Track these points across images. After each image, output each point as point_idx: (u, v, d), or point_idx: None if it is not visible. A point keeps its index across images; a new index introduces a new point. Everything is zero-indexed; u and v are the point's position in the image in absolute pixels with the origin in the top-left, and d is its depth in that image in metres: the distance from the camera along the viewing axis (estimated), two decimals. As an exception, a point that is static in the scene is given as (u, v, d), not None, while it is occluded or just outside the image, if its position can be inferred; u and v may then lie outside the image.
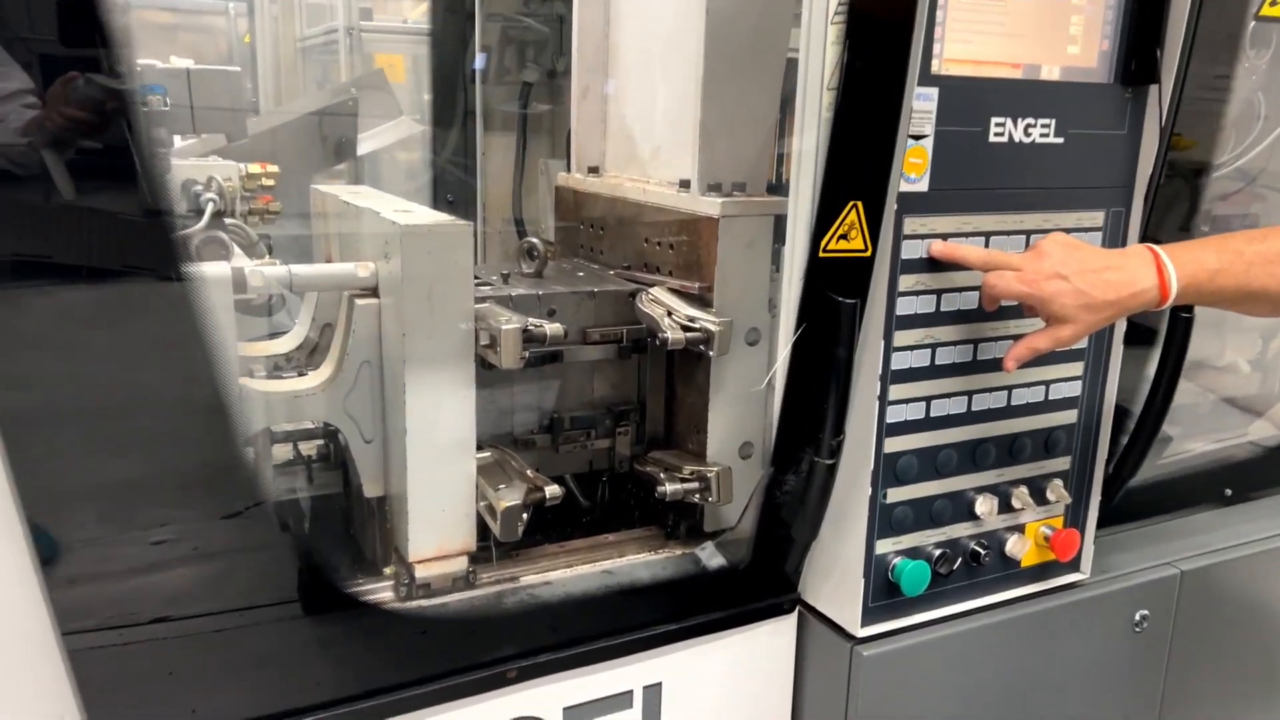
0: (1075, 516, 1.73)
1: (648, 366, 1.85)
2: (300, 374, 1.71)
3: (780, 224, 1.68)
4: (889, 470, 1.50)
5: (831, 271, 1.36)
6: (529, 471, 1.62)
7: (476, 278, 1.82)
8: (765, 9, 1.66)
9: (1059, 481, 1.68)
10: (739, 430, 1.76)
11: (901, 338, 1.46)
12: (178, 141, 2.34)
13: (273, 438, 1.77)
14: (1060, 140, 1.52)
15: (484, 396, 1.71)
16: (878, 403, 1.46)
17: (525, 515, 1.54)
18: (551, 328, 1.53)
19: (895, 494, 1.52)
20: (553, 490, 1.57)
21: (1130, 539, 1.94)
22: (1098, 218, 1.60)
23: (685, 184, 1.75)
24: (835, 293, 1.36)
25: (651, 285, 1.78)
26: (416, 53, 3.47)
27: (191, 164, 1.90)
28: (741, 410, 1.75)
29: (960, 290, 1.50)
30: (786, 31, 1.68)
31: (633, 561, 1.73)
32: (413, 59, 3.60)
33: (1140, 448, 1.75)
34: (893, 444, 1.50)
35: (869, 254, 1.37)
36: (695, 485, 1.70)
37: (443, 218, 1.56)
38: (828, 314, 1.36)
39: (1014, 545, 1.65)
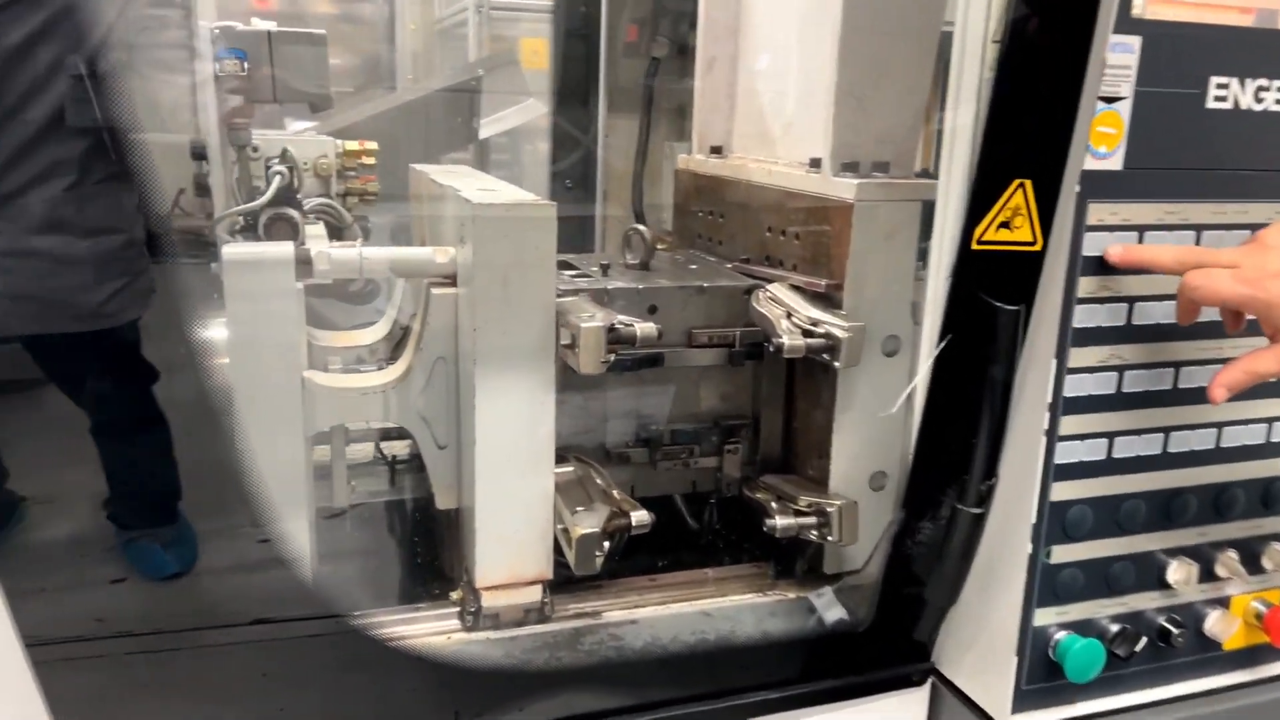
0: (1302, 592, 1.36)
1: (764, 376, 1.59)
2: (380, 369, 1.56)
3: (930, 214, 1.41)
4: (1055, 523, 1.20)
5: (987, 268, 1.07)
6: (615, 493, 1.40)
7: (572, 267, 1.62)
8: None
9: (1279, 546, 1.32)
10: (870, 457, 1.50)
11: (1079, 356, 1.15)
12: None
13: (351, 436, 1.62)
14: (1305, 108, 1.18)
15: (571, 401, 1.50)
16: (1044, 438, 1.16)
17: (606, 544, 1.32)
18: (643, 327, 1.30)
19: (1062, 553, 1.22)
20: (640, 517, 1.34)
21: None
22: (1350, 211, 1.24)
23: (816, 163, 1.50)
24: (991, 296, 1.06)
25: (771, 281, 1.53)
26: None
27: (283, 136, 1.78)
28: (874, 433, 1.48)
29: (1160, 299, 1.18)
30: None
31: (736, 603, 1.50)
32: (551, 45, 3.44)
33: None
34: (1062, 490, 1.19)
35: (1038, 248, 1.07)
36: (812, 520, 1.44)
37: (524, 197, 1.35)
38: (980, 322, 1.07)
39: (1215, 623, 1.31)
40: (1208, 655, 1.34)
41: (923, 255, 1.46)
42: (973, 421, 1.09)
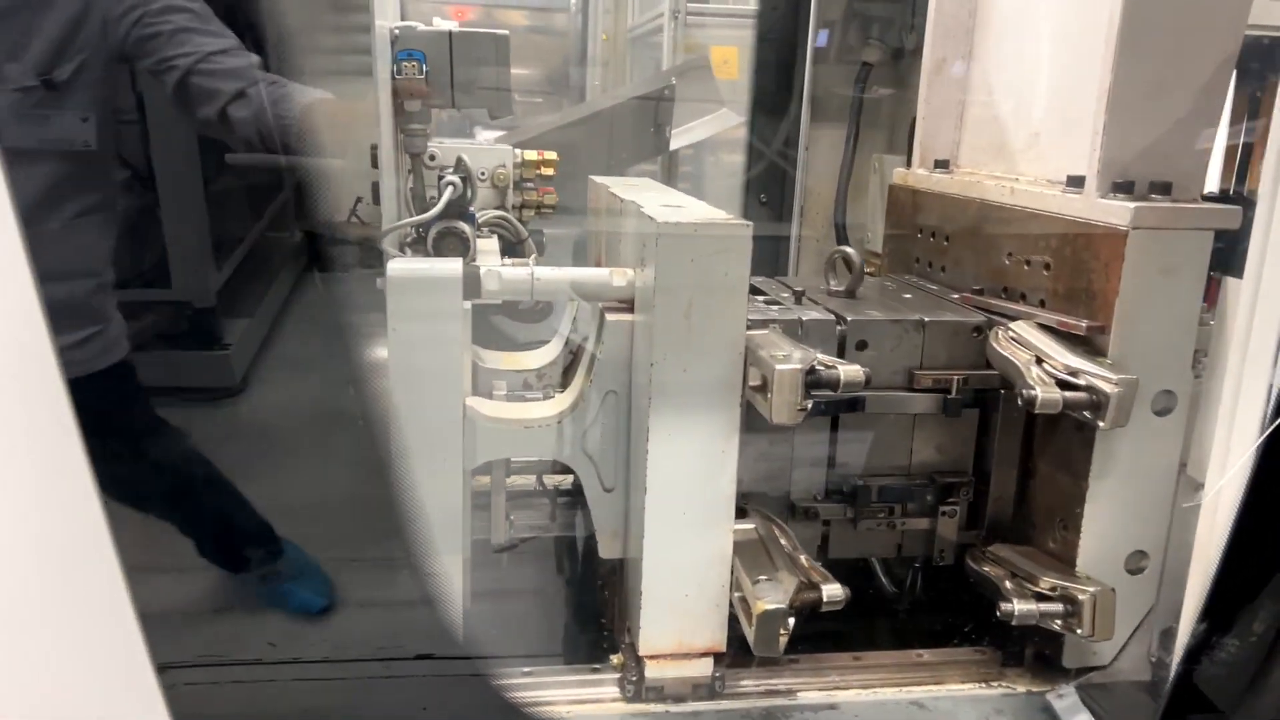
0: None
1: (995, 428, 1.34)
2: (546, 396, 1.41)
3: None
4: None
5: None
6: (803, 558, 1.19)
7: (760, 293, 1.42)
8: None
9: None
10: (1128, 534, 1.25)
11: None
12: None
13: (513, 466, 1.48)
14: None
15: (754, 445, 1.30)
16: None
17: (790, 622, 1.11)
18: (848, 370, 1.08)
19: None
20: (832, 592, 1.13)
21: None
22: None
23: (1077, 181, 1.24)
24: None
25: (1013, 317, 1.28)
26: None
27: (461, 144, 1.66)
28: (1135, 506, 1.24)
29: None
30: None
31: (954, 694, 1.27)
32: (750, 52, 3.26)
33: None
34: None
35: None
36: (1058, 608, 1.19)
37: (715, 215, 1.17)
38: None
39: None
40: None
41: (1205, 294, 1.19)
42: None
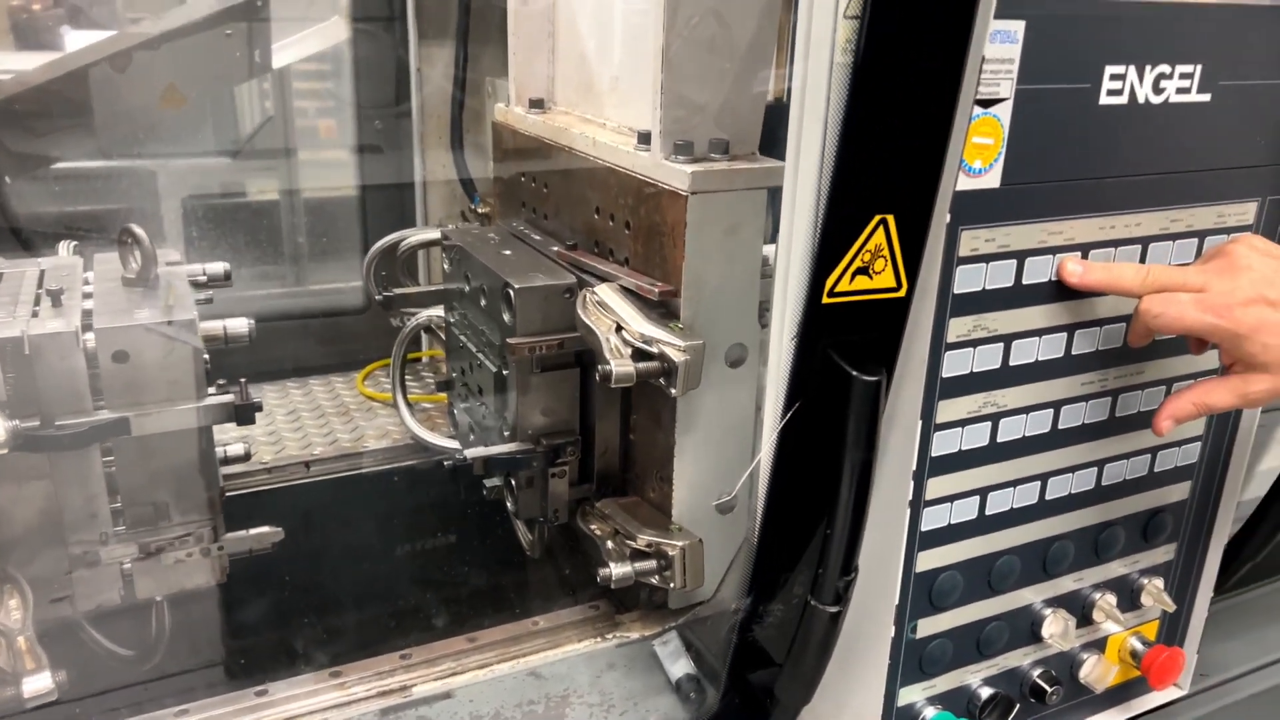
0: (1175, 625, 1.25)
1: (595, 385, 1.36)
2: None
3: (777, 198, 1.19)
4: (920, 595, 1.03)
5: (841, 325, 0.85)
6: (22, 640, 1.03)
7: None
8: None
9: (1159, 580, 1.20)
10: (717, 477, 1.31)
11: (948, 410, 0.97)
12: None
13: None
14: (1205, 98, 0.98)
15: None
16: (909, 509, 0.97)
17: None
18: None
19: (929, 625, 1.06)
20: (35, 686, 1.00)
21: (1238, 616, 1.46)
22: (1247, 211, 1.07)
23: (646, 138, 1.24)
24: (848, 360, 0.85)
25: (604, 278, 1.29)
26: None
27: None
28: (720, 452, 1.30)
29: (1042, 334, 0.99)
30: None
31: (569, 656, 1.31)
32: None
33: (1275, 517, 1.26)
34: (929, 559, 1.02)
35: (903, 294, 0.86)
36: (652, 565, 1.25)
37: None
38: (835, 394, 0.86)
39: (1091, 670, 1.18)
40: (1081, 699, 1.22)
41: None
42: (828, 510, 0.89)
